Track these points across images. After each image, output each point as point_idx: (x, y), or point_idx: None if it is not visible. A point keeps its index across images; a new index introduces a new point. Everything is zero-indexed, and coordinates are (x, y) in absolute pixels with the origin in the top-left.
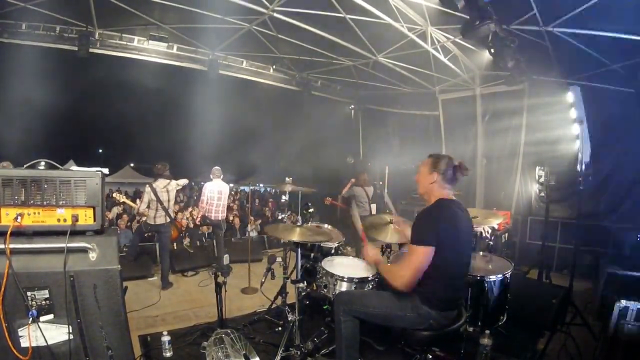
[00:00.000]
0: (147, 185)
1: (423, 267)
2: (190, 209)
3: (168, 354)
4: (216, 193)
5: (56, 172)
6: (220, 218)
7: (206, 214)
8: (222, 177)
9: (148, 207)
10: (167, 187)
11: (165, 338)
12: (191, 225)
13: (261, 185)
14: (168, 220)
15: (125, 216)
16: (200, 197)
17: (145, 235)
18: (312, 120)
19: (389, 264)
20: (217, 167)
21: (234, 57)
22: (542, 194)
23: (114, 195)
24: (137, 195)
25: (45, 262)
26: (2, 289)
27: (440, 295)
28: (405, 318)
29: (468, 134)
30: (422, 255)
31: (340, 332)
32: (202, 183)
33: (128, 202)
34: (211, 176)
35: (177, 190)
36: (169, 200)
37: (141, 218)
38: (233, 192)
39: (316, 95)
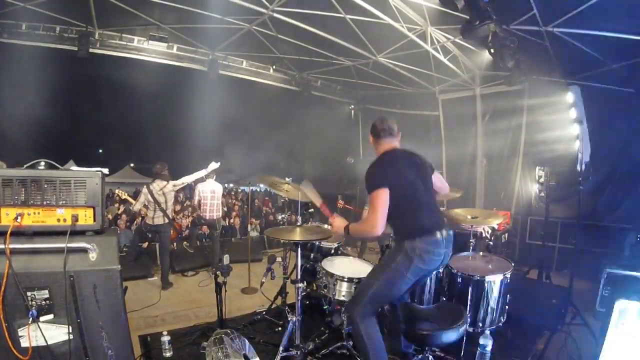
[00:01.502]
0: (145, 186)
1: (385, 207)
2: (189, 209)
3: (168, 354)
4: (209, 192)
5: (56, 172)
6: (215, 217)
7: (201, 214)
8: (215, 177)
9: (146, 207)
10: (164, 190)
11: (165, 338)
12: (189, 226)
13: (261, 185)
14: (166, 221)
15: (125, 216)
16: (193, 197)
17: (147, 233)
18: (312, 121)
19: (354, 224)
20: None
21: (234, 57)
22: (542, 194)
23: (116, 192)
24: (137, 196)
25: (45, 262)
26: (2, 289)
27: (413, 224)
28: (399, 269)
29: (468, 134)
30: (381, 197)
31: (364, 342)
32: (193, 184)
33: (130, 199)
34: (204, 176)
35: (177, 190)
36: (166, 202)
37: (137, 218)
38: (233, 193)
39: (316, 95)
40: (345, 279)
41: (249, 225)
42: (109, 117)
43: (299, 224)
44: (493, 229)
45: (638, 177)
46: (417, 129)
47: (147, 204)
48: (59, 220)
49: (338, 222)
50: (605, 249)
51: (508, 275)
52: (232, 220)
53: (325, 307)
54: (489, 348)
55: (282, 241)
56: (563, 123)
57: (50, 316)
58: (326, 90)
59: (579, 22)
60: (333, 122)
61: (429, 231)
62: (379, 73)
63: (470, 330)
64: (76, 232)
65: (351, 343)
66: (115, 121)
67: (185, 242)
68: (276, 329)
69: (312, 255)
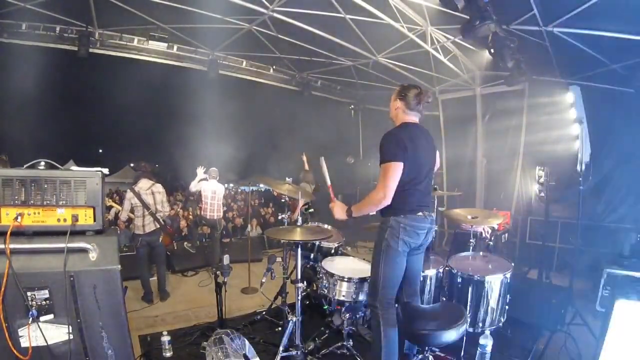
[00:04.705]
0: (128, 190)
1: (396, 180)
2: (190, 210)
3: (168, 354)
4: (210, 192)
5: (56, 172)
6: (215, 217)
7: (202, 214)
8: (217, 178)
9: (132, 213)
10: (152, 189)
11: (165, 338)
12: (190, 226)
13: (261, 185)
14: (158, 226)
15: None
16: (190, 186)
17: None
18: (312, 121)
19: (356, 204)
20: (214, 169)
21: (234, 57)
22: (542, 194)
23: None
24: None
25: (45, 262)
26: (2, 289)
27: (404, 202)
28: (390, 244)
29: (468, 134)
30: (394, 170)
31: (380, 335)
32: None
33: (115, 205)
34: (207, 177)
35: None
36: (155, 204)
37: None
38: (233, 193)
39: (316, 95)
40: (345, 279)
41: (249, 226)
42: (108, 117)
43: (299, 224)
44: (493, 229)
45: (638, 176)
46: None
47: (133, 209)
48: (59, 220)
49: (338, 208)
50: (605, 249)
51: (508, 275)
52: (231, 220)
53: (325, 307)
54: (489, 348)
55: (282, 241)
56: (563, 123)
57: (50, 316)
58: (326, 90)
59: (579, 22)
60: (333, 122)
61: (414, 210)
62: (379, 73)
63: (470, 330)
64: (76, 232)
65: (351, 343)
66: (115, 121)
67: (185, 242)
68: (276, 329)
69: (312, 255)
